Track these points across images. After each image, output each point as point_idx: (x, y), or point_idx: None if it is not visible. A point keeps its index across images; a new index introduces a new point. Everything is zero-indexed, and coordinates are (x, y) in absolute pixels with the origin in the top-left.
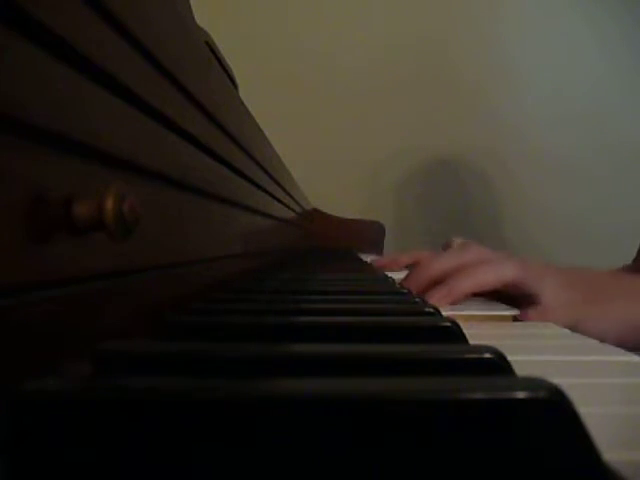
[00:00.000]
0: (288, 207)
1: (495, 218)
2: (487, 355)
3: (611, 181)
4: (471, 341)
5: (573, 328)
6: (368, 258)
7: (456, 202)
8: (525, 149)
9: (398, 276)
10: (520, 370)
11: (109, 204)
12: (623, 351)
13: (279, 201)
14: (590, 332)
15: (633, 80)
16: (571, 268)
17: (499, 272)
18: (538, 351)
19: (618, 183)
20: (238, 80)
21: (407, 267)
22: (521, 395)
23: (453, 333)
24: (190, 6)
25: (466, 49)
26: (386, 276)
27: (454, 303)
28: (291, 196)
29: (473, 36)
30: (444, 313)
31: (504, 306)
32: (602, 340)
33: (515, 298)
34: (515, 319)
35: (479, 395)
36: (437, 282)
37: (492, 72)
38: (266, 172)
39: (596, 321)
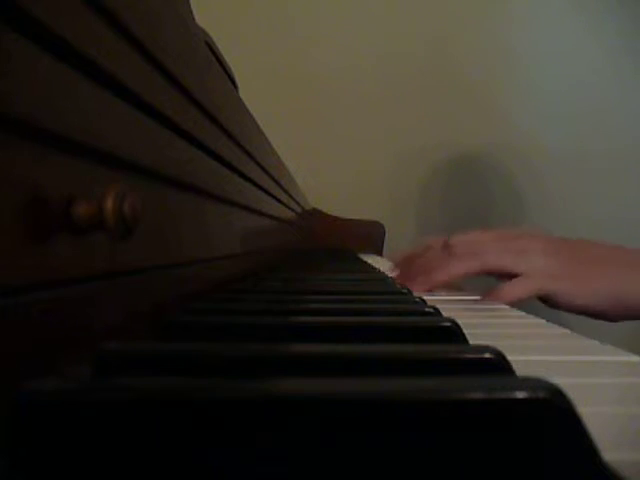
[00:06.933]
0: (288, 207)
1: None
2: (487, 355)
3: (615, 176)
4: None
5: (546, 298)
6: (368, 258)
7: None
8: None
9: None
10: (520, 370)
11: (109, 204)
12: (623, 351)
13: (279, 201)
14: (566, 306)
15: (634, 80)
16: (564, 240)
17: (480, 262)
18: (538, 351)
19: (620, 179)
20: (238, 80)
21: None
22: (521, 395)
23: (453, 333)
24: (190, 6)
25: (474, 49)
26: (386, 276)
27: (435, 288)
28: (291, 196)
29: (481, 36)
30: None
31: (468, 293)
32: (579, 312)
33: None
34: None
35: (479, 395)
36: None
37: (501, 72)
38: (266, 172)
39: (572, 297)
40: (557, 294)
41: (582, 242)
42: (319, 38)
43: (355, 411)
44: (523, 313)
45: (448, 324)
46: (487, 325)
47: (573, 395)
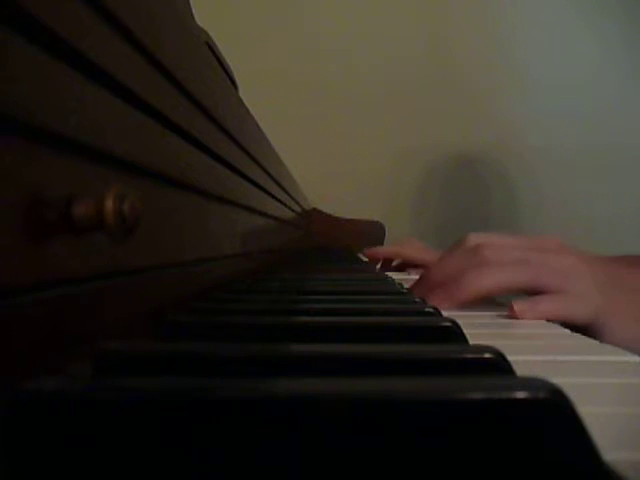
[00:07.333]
0: (288, 207)
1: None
2: (487, 355)
3: (613, 177)
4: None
5: (592, 330)
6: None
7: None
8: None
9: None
10: (520, 370)
11: (109, 204)
12: (623, 351)
13: (279, 201)
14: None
15: (633, 79)
16: (599, 263)
17: (519, 275)
18: (538, 351)
19: (619, 179)
20: (238, 80)
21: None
22: (521, 395)
23: (453, 333)
24: (190, 6)
25: (472, 49)
26: (386, 276)
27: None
28: (291, 196)
29: (479, 37)
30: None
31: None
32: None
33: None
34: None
35: (479, 395)
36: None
37: (499, 72)
38: (266, 172)
39: (625, 334)
40: (605, 326)
41: (617, 271)
42: (319, 38)
43: (355, 411)
44: None
45: (448, 324)
46: (487, 325)
47: (573, 395)
